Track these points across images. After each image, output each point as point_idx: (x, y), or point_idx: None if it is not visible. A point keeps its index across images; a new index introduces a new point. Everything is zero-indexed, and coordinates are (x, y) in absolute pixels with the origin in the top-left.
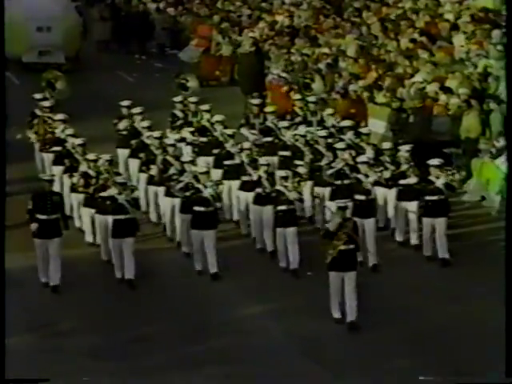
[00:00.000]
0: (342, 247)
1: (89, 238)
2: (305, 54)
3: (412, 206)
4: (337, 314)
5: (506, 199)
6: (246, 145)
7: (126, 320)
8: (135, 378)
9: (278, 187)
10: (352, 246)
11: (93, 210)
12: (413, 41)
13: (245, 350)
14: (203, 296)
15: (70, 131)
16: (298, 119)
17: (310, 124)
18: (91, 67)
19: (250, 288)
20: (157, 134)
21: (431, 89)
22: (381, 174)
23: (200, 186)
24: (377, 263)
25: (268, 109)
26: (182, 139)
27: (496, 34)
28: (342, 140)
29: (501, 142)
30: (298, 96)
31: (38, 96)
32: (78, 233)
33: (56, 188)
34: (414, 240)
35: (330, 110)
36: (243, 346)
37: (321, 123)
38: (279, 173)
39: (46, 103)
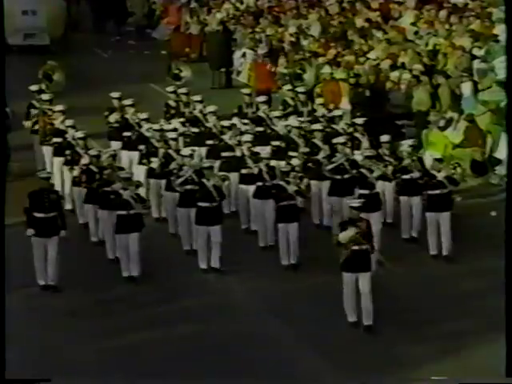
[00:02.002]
0: (356, 247)
1: (94, 237)
2: (268, 35)
3: (415, 200)
4: (352, 318)
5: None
6: (246, 137)
7: (102, 281)
8: (110, 336)
9: (279, 182)
10: (365, 247)
11: (95, 206)
12: (368, 20)
13: (211, 310)
14: (174, 260)
15: (70, 122)
16: (289, 109)
17: (300, 114)
18: (70, 46)
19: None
20: (157, 126)
21: (385, 65)
22: (385, 169)
23: (204, 181)
24: (381, 260)
25: (260, 99)
26: (174, 129)
27: (443, 14)
28: (334, 130)
29: (449, 114)
30: (288, 86)
31: (34, 88)
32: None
33: (56, 180)
34: (415, 233)
35: (320, 100)
36: (210, 305)
37: (311, 113)
38: (280, 167)
39: (46, 96)
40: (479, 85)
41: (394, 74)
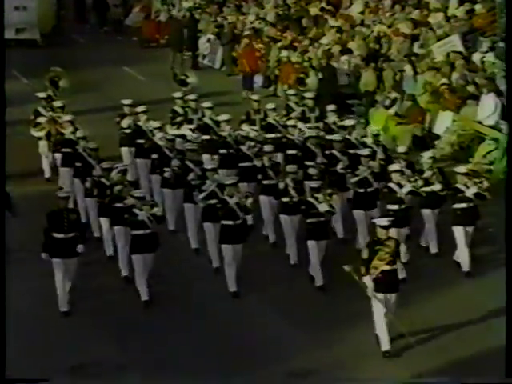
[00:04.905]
0: (386, 268)
1: (109, 251)
2: (230, 22)
3: (436, 213)
4: (388, 345)
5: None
6: (268, 148)
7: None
8: (86, 297)
9: (308, 199)
10: (395, 267)
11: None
12: (322, 9)
13: (181, 274)
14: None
15: (80, 133)
16: (293, 114)
17: (307, 120)
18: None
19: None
20: (170, 136)
21: (335, 50)
22: (416, 184)
23: (226, 198)
24: (405, 277)
25: (269, 105)
26: (182, 136)
27: (387, 3)
28: (348, 140)
29: (393, 94)
30: (292, 91)
31: (42, 95)
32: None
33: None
34: (424, 243)
35: (332, 107)
36: (183, 270)
37: (319, 119)
38: (310, 184)
39: (58, 103)
40: (418, 68)
41: (344, 58)
